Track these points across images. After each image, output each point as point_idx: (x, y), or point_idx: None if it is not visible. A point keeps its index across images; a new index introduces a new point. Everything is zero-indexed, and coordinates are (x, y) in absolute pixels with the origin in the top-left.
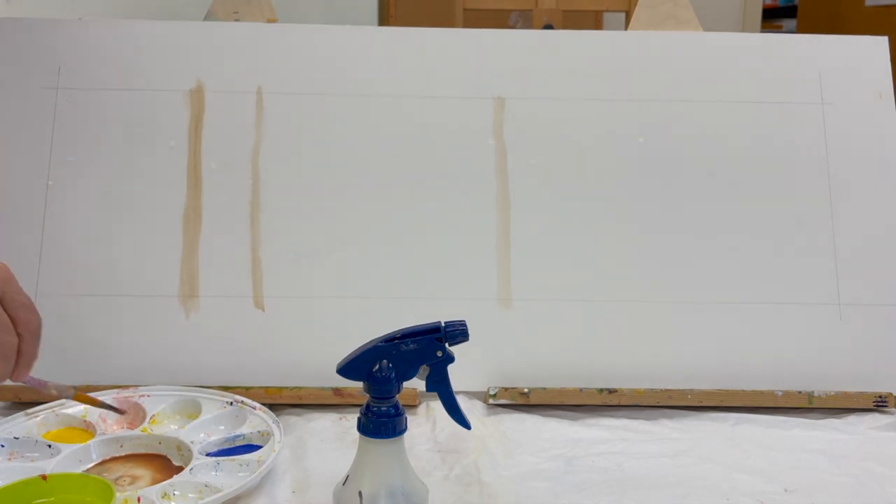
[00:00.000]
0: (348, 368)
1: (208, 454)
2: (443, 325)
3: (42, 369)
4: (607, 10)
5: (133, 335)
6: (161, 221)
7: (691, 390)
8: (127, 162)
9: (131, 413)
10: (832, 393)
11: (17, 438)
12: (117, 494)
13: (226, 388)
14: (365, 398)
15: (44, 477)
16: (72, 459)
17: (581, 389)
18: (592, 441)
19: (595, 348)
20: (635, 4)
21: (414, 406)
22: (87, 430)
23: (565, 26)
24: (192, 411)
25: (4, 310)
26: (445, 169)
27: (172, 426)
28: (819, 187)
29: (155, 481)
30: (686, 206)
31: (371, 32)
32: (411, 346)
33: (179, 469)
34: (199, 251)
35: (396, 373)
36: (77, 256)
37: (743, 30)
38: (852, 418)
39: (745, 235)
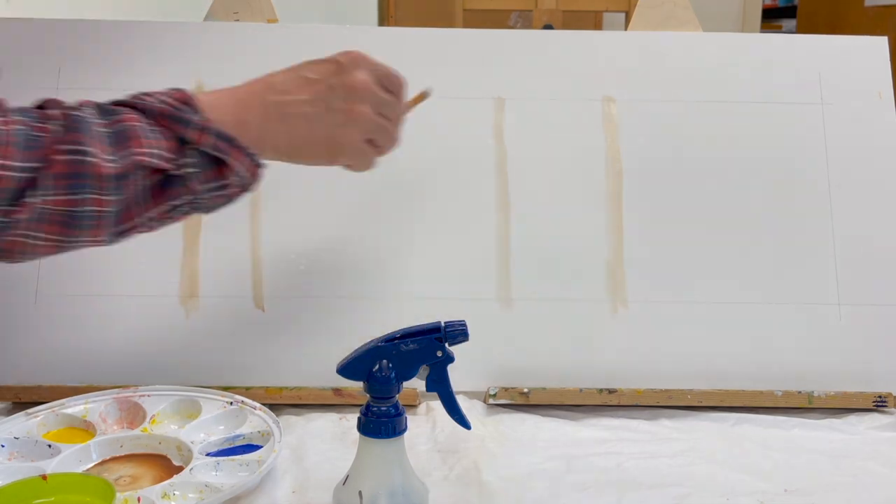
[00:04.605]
0: (348, 368)
1: (208, 454)
2: (443, 325)
3: (42, 369)
4: (607, 10)
5: (133, 335)
6: None
7: (691, 390)
8: None
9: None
10: (832, 393)
11: (17, 438)
12: (117, 494)
13: (226, 388)
14: (365, 398)
15: (44, 477)
16: (72, 459)
17: (581, 389)
18: (592, 441)
19: (595, 348)
20: (635, 4)
21: (414, 406)
22: (87, 430)
23: (565, 26)
24: (191, 411)
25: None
26: (445, 169)
27: (172, 426)
28: (819, 187)
29: (155, 481)
30: (685, 206)
31: (371, 32)
32: (411, 346)
33: (179, 469)
34: (199, 251)
35: (396, 373)
36: (77, 256)
37: (743, 30)
38: (852, 418)
39: (745, 235)
